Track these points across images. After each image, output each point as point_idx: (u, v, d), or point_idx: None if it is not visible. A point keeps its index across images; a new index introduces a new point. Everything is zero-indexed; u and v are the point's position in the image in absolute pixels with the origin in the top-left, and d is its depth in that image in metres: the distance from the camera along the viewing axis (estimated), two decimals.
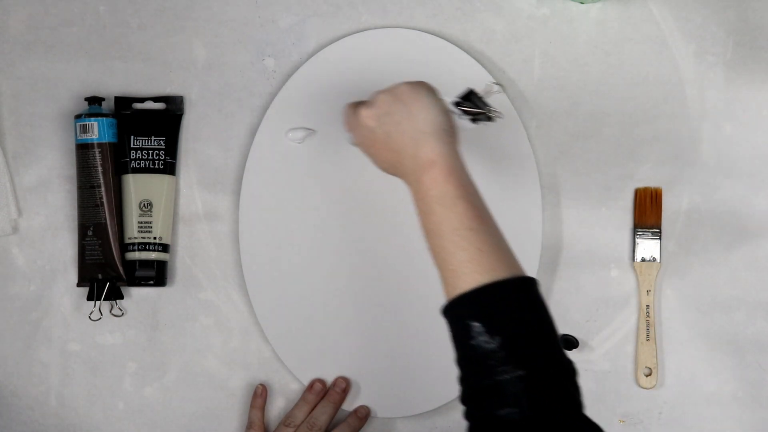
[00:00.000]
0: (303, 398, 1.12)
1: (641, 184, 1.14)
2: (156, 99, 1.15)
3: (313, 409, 1.11)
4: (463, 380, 0.88)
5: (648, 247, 1.13)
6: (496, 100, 1.05)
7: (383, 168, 1.01)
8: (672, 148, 1.14)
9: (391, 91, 0.99)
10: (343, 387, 1.12)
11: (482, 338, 0.85)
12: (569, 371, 0.86)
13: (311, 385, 1.12)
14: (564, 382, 0.86)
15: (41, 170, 1.15)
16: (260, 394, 1.13)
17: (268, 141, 1.14)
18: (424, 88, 0.98)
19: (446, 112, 0.97)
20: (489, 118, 1.03)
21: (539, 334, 0.86)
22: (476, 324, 0.86)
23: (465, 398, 0.87)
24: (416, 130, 0.96)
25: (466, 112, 1.02)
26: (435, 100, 0.97)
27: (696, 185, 1.14)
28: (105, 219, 1.12)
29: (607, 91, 1.15)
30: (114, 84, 1.15)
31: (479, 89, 1.03)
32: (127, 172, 1.13)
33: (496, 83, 1.05)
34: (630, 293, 1.13)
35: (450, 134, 0.96)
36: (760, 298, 1.13)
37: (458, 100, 1.02)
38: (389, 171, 1.00)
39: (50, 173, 1.15)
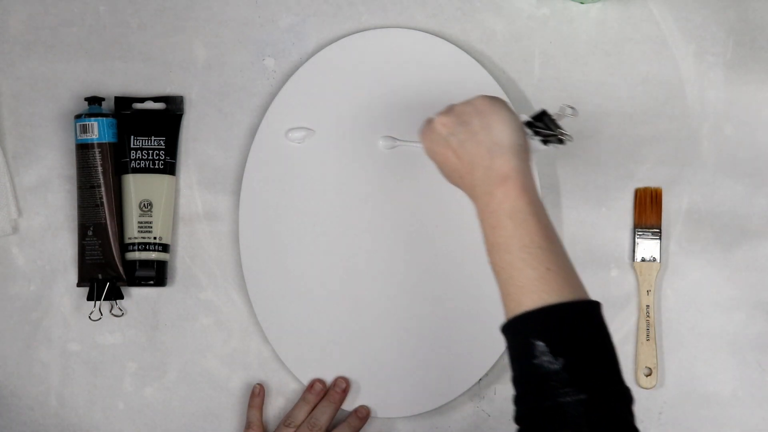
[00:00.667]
0: (303, 398, 1.12)
1: (641, 184, 1.14)
2: (156, 99, 1.15)
3: (313, 409, 1.11)
4: (520, 399, 0.87)
5: (648, 247, 1.13)
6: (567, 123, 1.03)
7: (450, 178, 0.99)
8: (672, 148, 1.14)
9: (470, 102, 0.99)
10: (343, 387, 1.12)
11: (545, 358, 0.85)
12: (627, 398, 0.86)
13: (311, 385, 1.12)
14: (622, 409, 0.86)
15: (41, 170, 1.15)
16: (258, 394, 1.13)
17: (268, 141, 1.14)
18: (502, 102, 0.98)
19: (522, 129, 0.97)
20: (560, 141, 1.00)
21: (602, 359, 0.86)
22: (540, 343, 0.85)
23: (521, 418, 0.86)
24: (493, 142, 0.95)
25: (537, 133, 1.00)
26: (513, 116, 0.97)
27: (696, 185, 1.14)
28: (105, 219, 1.12)
29: (607, 91, 1.15)
30: (114, 84, 1.15)
31: (553, 110, 1.01)
32: (127, 172, 1.13)
33: (570, 106, 1.03)
34: (630, 293, 1.13)
35: (525, 150, 0.95)
36: (760, 298, 1.13)
37: (530, 119, 1.00)
38: (455, 182, 0.98)
39: (50, 173, 1.15)
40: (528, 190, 0.92)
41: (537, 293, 0.88)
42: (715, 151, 1.14)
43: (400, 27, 1.15)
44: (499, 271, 0.91)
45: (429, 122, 1.00)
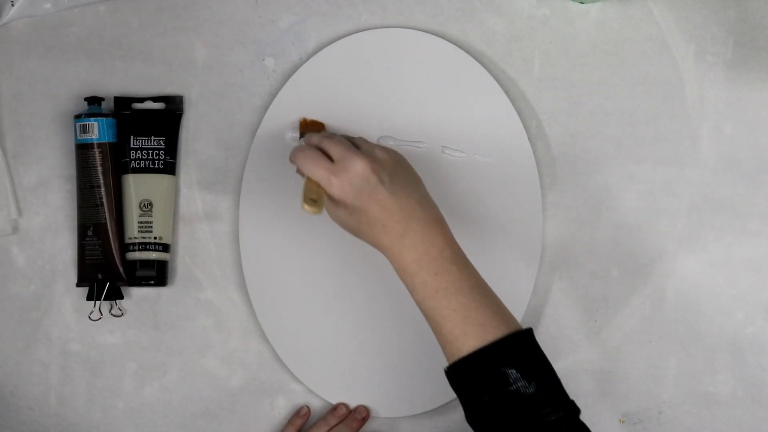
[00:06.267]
0: (324, 418, 1.12)
1: (641, 184, 1.14)
2: (156, 99, 1.15)
3: (330, 430, 1.11)
4: (500, 429, 0.90)
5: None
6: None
7: (367, 228, 0.97)
8: (672, 148, 1.14)
9: (384, 150, 1.01)
10: (363, 416, 1.12)
11: (520, 383, 0.90)
12: (578, 410, 0.93)
13: (335, 408, 1.12)
14: (581, 420, 0.92)
15: (41, 170, 1.15)
16: (302, 416, 1.12)
17: (268, 141, 1.14)
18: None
19: None
20: None
21: (556, 377, 0.93)
22: (512, 371, 0.90)
23: None
24: (421, 194, 0.99)
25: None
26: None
27: (696, 185, 1.14)
28: (105, 219, 1.12)
29: (607, 90, 1.15)
30: (114, 84, 1.15)
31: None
32: (127, 172, 1.13)
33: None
34: (630, 293, 1.13)
35: None
36: (760, 298, 1.13)
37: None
38: (373, 233, 0.97)
39: (50, 173, 1.15)
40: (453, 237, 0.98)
41: (498, 327, 0.93)
42: (715, 151, 1.14)
43: (400, 27, 1.15)
44: (449, 314, 0.94)
45: (343, 167, 0.97)
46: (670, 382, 1.13)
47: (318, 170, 0.99)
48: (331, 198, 0.99)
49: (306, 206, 0.98)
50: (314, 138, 1.04)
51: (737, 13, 1.14)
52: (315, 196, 0.99)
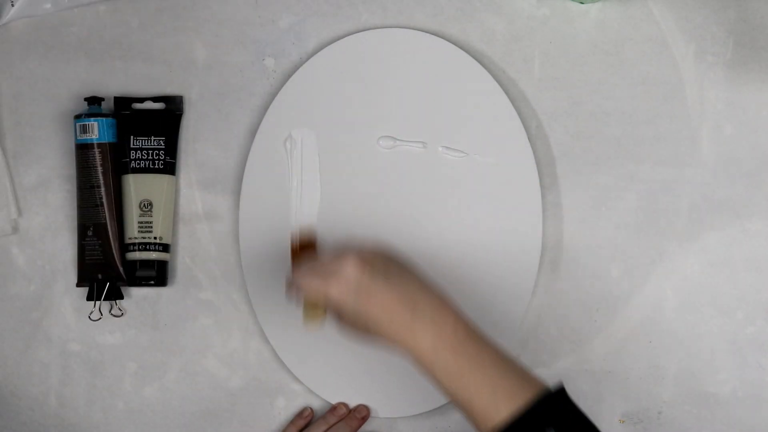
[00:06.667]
0: (324, 417, 1.12)
1: (641, 184, 1.14)
2: (156, 99, 1.15)
3: (329, 429, 1.11)
4: None
5: None
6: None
7: (380, 324, 0.95)
8: (672, 148, 1.14)
9: (373, 246, 0.99)
10: (363, 415, 1.12)
11: None
12: None
13: (335, 407, 1.12)
14: None
15: (41, 170, 1.15)
16: (305, 417, 1.12)
17: (268, 141, 1.14)
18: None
19: None
20: None
21: (595, 428, 0.91)
22: (551, 430, 0.89)
23: None
24: (419, 279, 0.97)
25: None
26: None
27: (696, 185, 1.14)
28: (105, 219, 1.12)
29: (607, 91, 1.15)
30: (114, 84, 1.15)
31: None
32: (127, 172, 1.13)
33: None
34: (630, 293, 1.13)
35: None
36: (760, 298, 1.13)
37: None
38: (386, 328, 0.95)
39: (50, 173, 1.15)
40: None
41: (527, 390, 0.91)
42: (715, 151, 1.14)
43: (400, 27, 1.15)
44: (477, 391, 0.91)
45: (334, 273, 0.96)
46: (670, 382, 1.13)
47: (312, 285, 0.97)
48: (333, 309, 0.98)
49: (307, 320, 1.02)
50: (302, 265, 1.02)
51: (737, 13, 1.14)
52: (313, 314, 1.02)
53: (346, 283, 0.95)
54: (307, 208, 1.13)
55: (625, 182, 1.14)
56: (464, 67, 1.14)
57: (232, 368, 1.14)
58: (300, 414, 1.13)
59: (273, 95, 1.14)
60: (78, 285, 1.13)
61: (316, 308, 1.02)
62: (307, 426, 1.12)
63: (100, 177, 1.12)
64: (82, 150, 1.13)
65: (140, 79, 1.15)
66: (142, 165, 1.13)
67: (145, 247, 1.13)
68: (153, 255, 1.13)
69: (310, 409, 1.13)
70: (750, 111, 1.14)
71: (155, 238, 1.13)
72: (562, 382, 0.93)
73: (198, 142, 1.15)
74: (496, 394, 0.91)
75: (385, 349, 0.96)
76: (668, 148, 1.14)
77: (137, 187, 1.13)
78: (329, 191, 1.14)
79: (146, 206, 1.13)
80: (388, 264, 0.97)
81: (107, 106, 1.14)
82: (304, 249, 1.11)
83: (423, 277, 0.97)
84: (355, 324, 0.97)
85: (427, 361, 0.93)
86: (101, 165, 1.12)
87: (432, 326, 0.93)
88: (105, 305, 1.14)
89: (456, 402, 0.93)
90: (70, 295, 1.14)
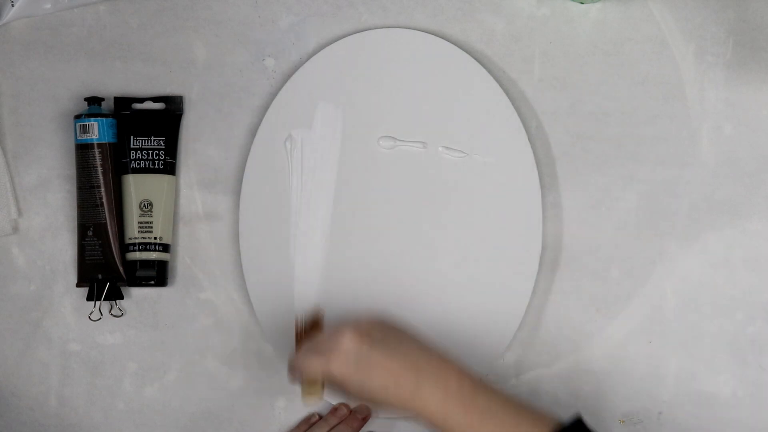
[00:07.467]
0: (325, 419, 1.12)
1: (641, 184, 1.14)
2: (156, 99, 1.15)
3: (330, 430, 1.11)
4: None
5: None
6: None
7: (386, 391, 0.96)
8: (672, 148, 1.14)
9: (368, 316, 1.00)
10: (364, 415, 1.12)
11: None
12: None
13: (336, 408, 1.12)
14: None
15: (41, 170, 1.15)
16: (311, 423, 1.12)
17: (268, 141, 1.14)
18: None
19: None
20: None
21: None
22: None
23: None
24: (418, 342, 0.98)
25: None
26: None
27: (696, 185, 1.14)
28: (105, 219, 1.12)
29: (607, 91, 1.14)
30: (114, 84, 1.15)
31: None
32: (127, 172, 1.13)
33: None
34: (630, 293, 1.13)
35: None
36: (760, 298, 1.13)
37: None
38: (391, 395, 0.95)
39: (50, 173, 1.15)
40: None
41: (547, 427, 0.92)
42: (715, 151, 1.14)
43: (400, 27, 1.15)
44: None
45: (332, 348, 0.97)
46: (670, 382, 1.13)
47: (312, 364, 0.99)
48: (337, 385, 0.99)
49: (306, 396, 1.02)
50: (303, 347, 1.03)
51: (737, 13, 1.14)
52: (312, 390, 1.02)
53: (345, 357, 0.96)
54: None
55: (625, 182, 1.14)
56: (464, 67, 1.14)
57: (232, 368, 1.14)
58: (307, 420, 1.13)
59: (273, 95, 1.14)
60: (78, 285, 1.13)
61: (315, 384, 1.03)
62: (308, 429, 1.12)
63: (100, 177, 1.12)
64: (82, 150, 1.13)
65: (140, 79, 1.15)
66: (142, 165, 1.13)
67: (145, 247, 1.13)
68: (153, 255, 1.13)
69: (318, 415, 1.13)
70: (750, 111, 1.14)
71: (155, 238, 1.13)
72: (580, 413, 0.94)
73: (198, 142, 1.15)
74: None
75: (396, 414, 0.97)
76: (668, 148, 1.14)
77: (137, 187, 1.13)
78: (329, 191, 1.13)
79: (146, 206, 1.13)
80: (386, 332, 0.98)
81: (107, 106, 1.14)
82: (309, 332, 1.11)
83: (422, 339, 0.99)
84: (361, 395, 0.98)
85: (439, 421, 0.94)
86: (101, 165, 1.12)
87: (438, 386, 0.94)
88: (105, 305, 1.14)
89: None
90: (70, 295, 1.14)
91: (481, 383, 0.96)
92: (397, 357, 0.95)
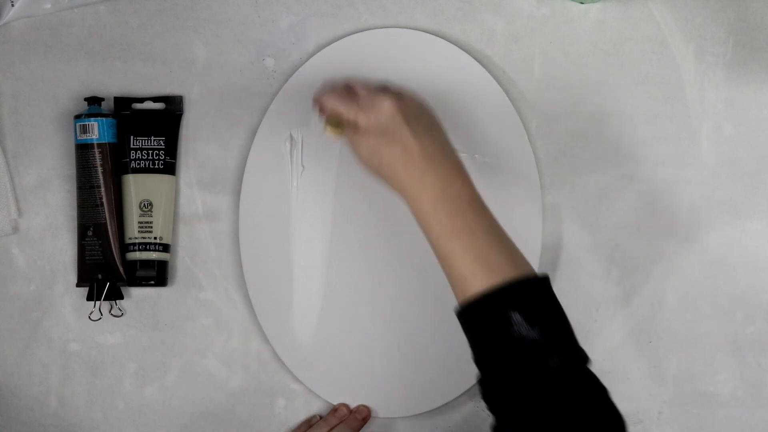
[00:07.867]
0: (325, 419, 1.12)
1: (641, 184, 1.14)
2: (156, 99, 1.15)
3: (330, 430, 1.11)
4: (498, 372, 0.90)
5: None
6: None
7: (388, 166, 0.98)
8: (672, 148, 1.14)
9: (413, 95, 1.01)
10: (364, 415, 1.12)
11: (523, 328, 0.89)
12: (588, 359, 0.92)
13: (336, 409, 1.12)
14: (590, 369, 0.91)
15: (41, 170, 1.15)
16: (312, 424, 1.12)
17: (268, 141, 1.14)
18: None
19: None
20: None
21: (566, 325, 0.92)
22: (516, 314, 0.89)
23: (496, 387, 0.90)
24: (443, 139, 0.99)
25: None
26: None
27: (696, 185, 1.14)
28: (105, 219, 1.12)
29: (607, 91, 1.15)
30: (114, 84, 1.15)
31: None
32: (127, 172, 1.13)
33: None
34: (630, 293, 1.13)
35: None
36: (760, 298, 1.13)
37: None
38: (393, 171, 0.98)
39: (50, 173, 1.15)
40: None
41: (508, 270, 0.92)
42: (715, 151, 1.14)
43: (400, 27, 1.15)
44: (460, 255, 0.93)
45: (371, 104, 0.99)
46: (670, 382, 1.13)
47: (345, 105, 1.01)
48: (356, 133, 1.00)
49: (329, 128, 1.03)
50: (339, 81, 1.05)
51: (737, 13, 1.14)
52: (334, 130, 1.04)
53: (377, 118, 0.98)
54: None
55: (625, 182, 1.14)
56: (464, 67, 1.14)
57: (232, 368, 1.14)
58: (307, 421, 1.13)
59: (273, 95, 1.14)
60: (78, 285, 1.13)
61: (337, 126, 1.04)
62: (309, 429, 1.12)
63: (100, 177, 1.12)
64: (82, 150, 1.13)
65: (140, 79, 1.15)
66: (142, 165, 1.13)
67: (145, 247, 1.13)
68: (153, 255, 1.13)
69: (319, 416, 1.13)
70: (750, 111, 1.14)
71: (155, 238, 1.13)
72: (547, 273, 0.94)
73: (198, 142, 1.15)
74: (476, 264, 0.92)
75: (387, 189, 0.99)
76: (668, 148, 1.14)
77: (137, 187, 1.13)
78: (329, 191, 1.13)
79: (146, 206, 1.13)
80: (421, 113, 1.00)
81: (107, 106, 1.14)
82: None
83: (446, 139, 1.00)
84: (369, 160, 1.00)
85: (425, 211, 0.95)
86: (101, 165, 1.12)
87: (439, 183, 0.95)
88: (105, 305, 1.14)
89: (441, 263, 0.95)
90: (70, 295, 1.14)
91: (479, 202, 0.96)
92: (420, 139, 0.97)
